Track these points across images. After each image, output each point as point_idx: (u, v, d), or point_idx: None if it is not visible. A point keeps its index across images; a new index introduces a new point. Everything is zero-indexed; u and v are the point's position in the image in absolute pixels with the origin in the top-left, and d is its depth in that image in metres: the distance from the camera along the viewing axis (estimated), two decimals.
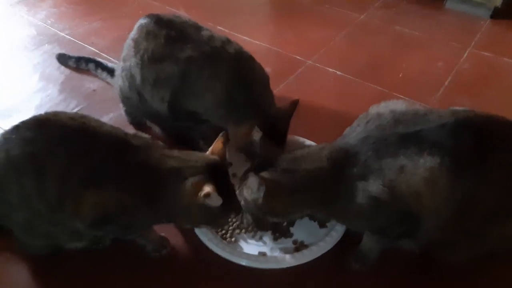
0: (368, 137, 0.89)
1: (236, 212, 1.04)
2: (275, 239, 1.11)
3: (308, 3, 2.28)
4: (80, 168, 0.88)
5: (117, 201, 0.89)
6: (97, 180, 0.88)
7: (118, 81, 1.38)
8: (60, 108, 1.57)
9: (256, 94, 1.19)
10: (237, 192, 0.99)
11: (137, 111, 1.40)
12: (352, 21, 2.09)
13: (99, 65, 1.69)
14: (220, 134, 0.99)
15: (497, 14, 2.04)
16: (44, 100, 1.61)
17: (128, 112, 1.45)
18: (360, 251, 1.04)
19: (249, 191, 0.96)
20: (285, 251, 1.07)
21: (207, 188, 0.84)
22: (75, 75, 1.74)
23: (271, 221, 1.04)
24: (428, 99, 1.56)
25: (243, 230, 1.12)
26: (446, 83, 1.65)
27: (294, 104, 1.18)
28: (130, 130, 1.41)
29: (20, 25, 2.10)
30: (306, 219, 1.15)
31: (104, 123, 0.96)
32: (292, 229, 1.13)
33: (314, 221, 1.14)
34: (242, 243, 1.10)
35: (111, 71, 1.62)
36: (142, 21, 1.29)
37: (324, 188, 0.91)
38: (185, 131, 1.35)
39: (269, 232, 1.12)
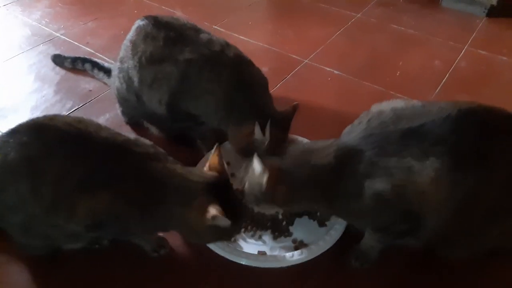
0: (372, 134, 0.89)
1: (245, 220, 1.05)
2: (274, 238, 1.11)
3: (305, 1, 2.28)
4: (75, 174, 0.87)
5: (111, 209, 0.89)
6: (92, 187, 0.87)
7: (115, 82, 1.37)
8: (56, 108, 1.56)
9: (255, 97, 1.18)
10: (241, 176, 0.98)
11: (135, 112, 1.40)
12: (349, 20, 2.09)
13: (95, 65, 1.68)
14: (214, 148, 0.96)
15: (493, 12, 2.05)
16: (40, 101, 1.60)
17: (124, 112, 1.45)
18: (360, 249, 1.03)
19: (253, 174, 0.94)
20: (285, 250, 1.07)
21: (213, 211, 0.83)
22: (71, 75, 1.72)
23: (271, 212, 1.02)
24: (426, 97, 1.56)
25: (243, 230, 1.11)
26: (444, 81, 1.66)
27: (294, 108, 1.17)
28: (127, 130, 1.43)
29: (15, 26, 2.09)
30: (305, 218, 1.15)
31: (102, 128, 0.95)
32: (291, 228, 1.13)
33: (314, 220, 1.14)
34: (242, 242, 1.09)
35: (107, 71, 1.61)
36: (139, 22, 1.28)
37: (328, 183, 0.91)
38: (183, 131, 1.35)
39: (269, 231, 1.12)
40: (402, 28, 2.01)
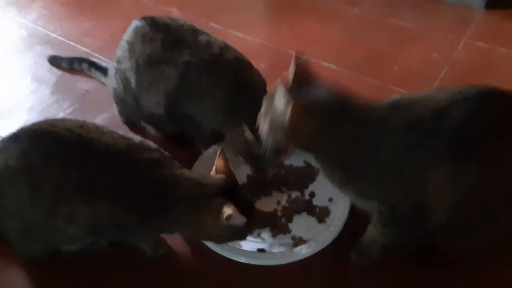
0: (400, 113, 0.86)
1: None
2: (273, 235, 1.10)
3: None
4: (74, 183, 0.87)
5: (112, 218, 0.88)
6: (92, 195, 0.87)
7: (112, 82, 1.36)
8: (53, 109, 1.55)
9: (254, 100, 1.17)
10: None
11: (132, 113, 1.39)
12: (347, 15, 2.07)
13: (92, 64, 1.67)
14: (218, 153, 0.97)
15: (491, 4, 2.02)
16: (37, 102, 1.59)
17: (121, 112, 1.44)
18: (362, 244, 1.02)
19: (275, 109, 0.86)
20: (284, 247, 1.06)
21: (229, 211, 0.84)
22: (68, 76, 1.72)
23: (289, 153, 0.99)
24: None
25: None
26: (442, 74, 1.64)
27: None
28: (124, 130, 1.42)
29: (11, 27, 2.07)
30: (304, 215, 1.14)
31: (104, 133, 0.94)
32: (290, 225, 1.12)
33: (313, 216, 1.14)
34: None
35: (105, 71, 1.60)
36: (137, 23, 1.27)
37: (357, 139, 0.85)
38: (182, 133, 1.34)
39: (268, 229, 1.11)
40: (400, 22, 2.00)
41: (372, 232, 0.99)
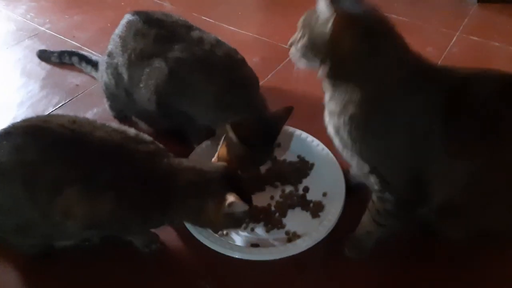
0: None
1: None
2: (267, 230, 1.09)
3: None
4: (70, 178, 0.85)
5: (114, 211, 0.87)
6: (90, 190, 0.85)
7: (103, 76, 1.34)
8: (42, 104, 1.53)
9: (246, 98, 1.16)
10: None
11: (124, 108, 1.37)
12: None
13: (83, 58, 1.65)
14: (222, 139, 0.97)
15: None
16: (26, 97, 1.57)
17: (112, 107, 1.42)
18: (356, 237, 1.02)
19: (319, 14, 0.81)
20: (278, 242, 1.06)
21: (231, 198, 0.85)
22: (57, 70, 1.69)
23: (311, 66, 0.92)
24: None
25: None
26: None
27: (289, 110, 1.13)
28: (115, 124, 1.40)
29: None
30: (298, 210, 1.14)
31: (98, 127, 0.92)
32: (284, 220, 1.11)
33: (307, 211, 1.13)
34: (234, 236, 1.08)
35: (95, 65, 1.58)
36: (130, 17, 1.25)
37: (394, 77, 0.80)
38: (175, 128, 1.32)
39: (261, 224, 1.10)
40: (394, 16, 1.96)
41: (366, 223, 0.98)
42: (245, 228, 1.09)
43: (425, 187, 0.86)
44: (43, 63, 1.72)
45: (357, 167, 0.90)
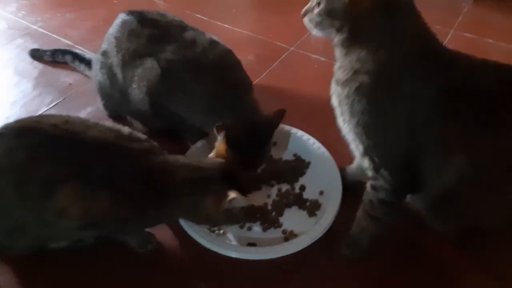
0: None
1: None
2: (264, 229, 1.09)
3: None
4: (64, 179, 0.84)
5: (111, 210, 0.86)
6: (86, 190, 0.84)
7: (98, 75, 1.33)
8: (35, 103, 1.51)
9: (238, 101, 1.14)
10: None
11: (118, 107, 1.36)
12: None
13: (76, 56, 1.63)
14: (221, 136, 0.97)
15: None
16: (19, 96, 1.55)
17: (106, 106, 1.40)
18: (351, 236, 1.01)
19: None
20: (275, 241, 1.05)
21: (233, 194, 0.85)
22: (50, 69, 1.67)
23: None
24: None
25: None
26: None
27: (281, 113, 1.11)
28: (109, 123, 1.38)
29: None
30: (295, 209, 1.13)
31: (91, 127, 0.91)
32: (281, 219, 1.11)
33: (303, 210, 1.13)
34: (231, 235, 1.07)
35: (88, 63, 1.56)
36: (124, 17, 1.24)
37: (410, 51, 0.82)
38: (169, 128, 1.31)
39: (258, 223, 1.10)
40: None
41: (361, 218, 0.98)
42: (241, 227, 1.09)
43: (419, 175, 0.87)
44: (36, 62, 1.70)
45: (353, 144, 0.92)
